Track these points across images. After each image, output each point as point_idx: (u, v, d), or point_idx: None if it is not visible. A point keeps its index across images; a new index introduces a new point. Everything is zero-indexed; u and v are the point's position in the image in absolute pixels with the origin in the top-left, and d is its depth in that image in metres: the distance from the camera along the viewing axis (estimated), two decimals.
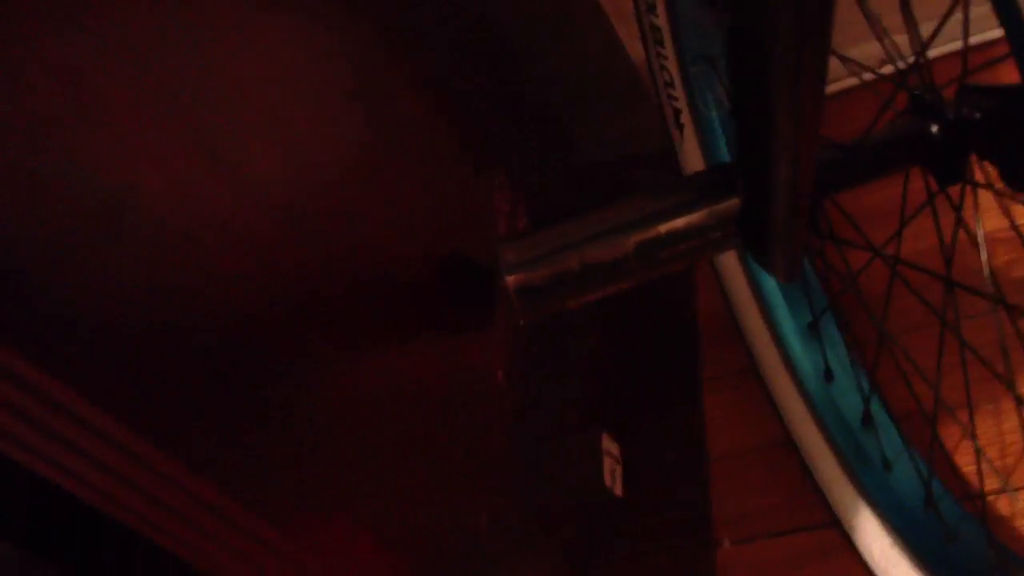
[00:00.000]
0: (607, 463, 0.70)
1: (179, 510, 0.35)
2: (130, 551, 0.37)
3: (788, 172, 0.47)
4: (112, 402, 0.33)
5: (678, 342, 0.89)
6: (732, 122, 0.71)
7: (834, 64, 0.46)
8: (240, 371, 0.39)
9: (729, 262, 0.81)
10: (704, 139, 0.79)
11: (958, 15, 0.56)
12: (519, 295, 0.53)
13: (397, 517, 0.47)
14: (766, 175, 0.48)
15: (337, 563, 0.41)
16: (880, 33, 0.61)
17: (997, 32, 0.51)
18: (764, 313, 0.78)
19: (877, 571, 0.70)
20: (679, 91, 0.79)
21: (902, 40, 0.59)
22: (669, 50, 0.77)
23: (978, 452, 0.69)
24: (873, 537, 0.70)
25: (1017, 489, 0.69)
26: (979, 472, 0.69)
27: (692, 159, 0.80)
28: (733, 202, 0.52)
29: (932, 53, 0.58)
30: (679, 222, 0.53)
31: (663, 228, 0.54)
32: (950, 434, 0.73)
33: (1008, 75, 0.50)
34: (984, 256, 0.59)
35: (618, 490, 0.70)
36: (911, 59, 0.58)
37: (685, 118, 0.79)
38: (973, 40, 0.62)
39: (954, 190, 0.57)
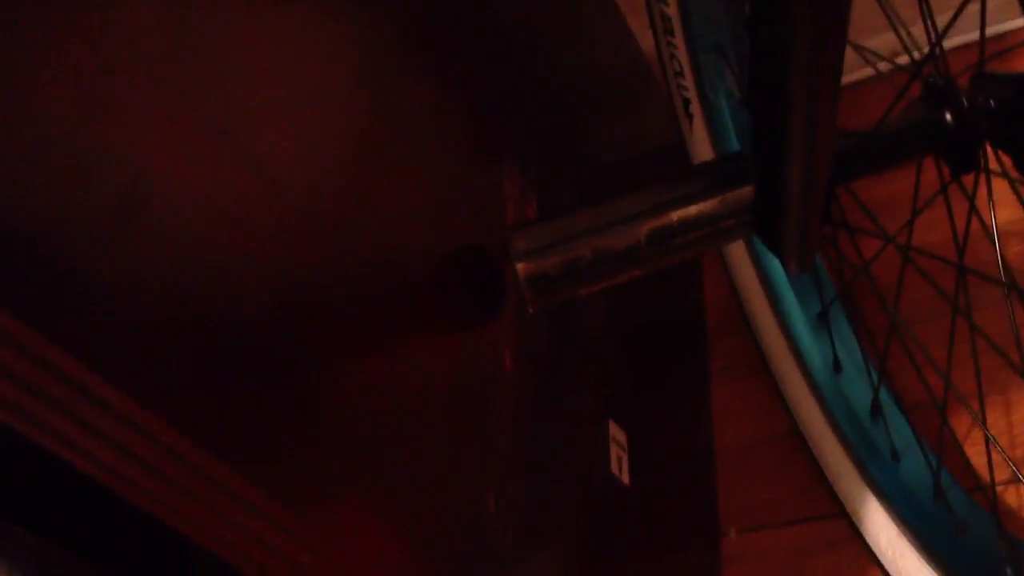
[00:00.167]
0: (614, 451, 0.70)
1: (191, 489, 0.35)
2: (146, 538, 0.38)
3: (803, 161, 0.47)
4: (126, 381, 0.33)
5: (686, 332, 0.89)
6: (746, 111, 0.71)
7: (850, 54, 0.46)
8: (255, 355, 0.39)
9: (737, 252, 0.81)
10: (713, 128, 0.79)
11: (973, 5, 0.56)
12: (530, 283, 0.53)
13: (407, 500, 0.47)
14: (781, 164, 0.48)
15: (348, 544, 0.42)
16: (896, 23, 0.61)
17: (1013, 23, 0.51)
18: (773, 303, 0.78)
19: (885, 562, 0.70)
20: (689, 80, 0.78)
21: (918, 31, 0.59)
22: (679, 39, 0.77)
23: (988, 442, 0.69)
24: (881, 527, 0.70)
25: None
26: (989, 462, 0.69)
27: (701, 148, 0.80)
28: (746, 190, 0.52)
29: (948, 43, 0.57)
30: (692, 210, 0.53)
31: (676, 216, 0.53)
32: (960, 424, 0.73)
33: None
34: (997, 245, 0.59)
35: (624, 478, 0.71)
36: (927, 49, 0.58)
37: (694, 107, 0.79)
38: (989, 31, 0.62)
39: (968, 179, 0.57)
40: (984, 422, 0.69)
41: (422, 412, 0.50)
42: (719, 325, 0.89)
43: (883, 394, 0.72)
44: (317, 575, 0.40)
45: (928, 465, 0.68)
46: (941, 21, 0.56)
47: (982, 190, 0.57)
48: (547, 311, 0.66)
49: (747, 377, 0.84)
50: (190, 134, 0.39)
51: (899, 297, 0.64)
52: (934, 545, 0.66)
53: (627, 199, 0.54)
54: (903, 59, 0.61)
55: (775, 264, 0.78)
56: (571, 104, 0.81)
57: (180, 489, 0.35)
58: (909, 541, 0.67)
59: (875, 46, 0.65)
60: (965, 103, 0.55)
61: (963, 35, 0.68)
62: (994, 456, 0.70)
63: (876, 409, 0.72)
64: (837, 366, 0.74)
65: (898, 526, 0.68)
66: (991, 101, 0.55)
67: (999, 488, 0.70)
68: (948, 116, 0.55)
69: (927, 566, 0.66)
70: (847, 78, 0.83)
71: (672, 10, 0.76)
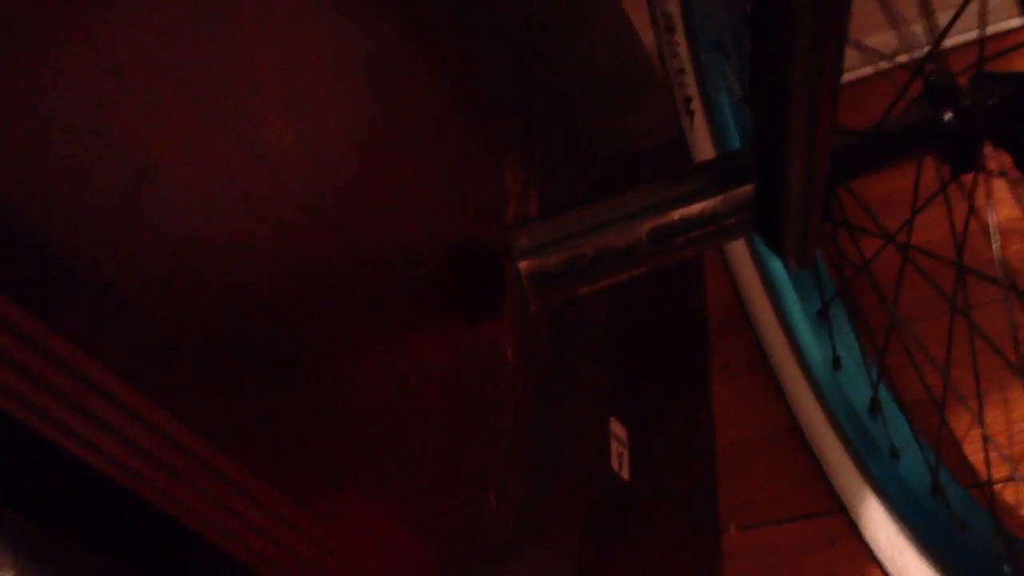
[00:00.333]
0: (614, 447, 0.71)
1: (194, 480, 0.36)
2: (149, 528, 0.38)
3: (803, 159, 0.47)
4: (132, 373, 0.33)
5: (687, 330, 0.90)
6: (748, 109, 0.71)
7: (851, 52, 0.47)
8: (257, 349, 0.40)
9: (738, 249, 0.82)
10: (714, 126, 0.79)
11: (974, 4, 0.56)
12: (531, 281, 0.53)
13: (409, 495, 0.47)
14: (781, 162, 0.48)
15: (349, 537, 0.42)
16: (897, 22, 0.61)
17: (1013, 21, 0.51)
18: (773, 300, 0.79)
19: (883, 558, 0.70)
20: (690, 78, 0.79)
21: (919, 29, 0.59)
22: (680, 37, 0.77)
23: (986, 440, 0.70)
24: (880, 524, 0.70)
25: None
26: (987, 460, 0.69)
27: (702, 146, 0.80)
28: (747, 189, 0.52)
29: (948, 42, 0.57)
30: (693, 208, 0.53)
31: (677, 214, 0.54)
32: (958, 422, 0.73)
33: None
34: (996, 244, 0.59)
35: (625, 474, 0.71)
36: (927, 48, 0.58)
37: (696, 105, 0.79)
38: (990, 30, 0.62)
39: (967, 178, 0.57)
40: (982, 420, 0.70)
41: (423, 408, 0.51)
42: (720, 323, 0.90)
43: (882, 392, 0.73)
44: (318, 567, 0.41)
45: (927, 463, 0.69)
46: (942, 19, 0.56)
47: (982, 189, 0.57)
48: (548, 309, 0.66)
49: (748, 374, 0.84)
50: (194, 130, 0.39)
51: (898, 295, 0.65)
52: (932, 542, 0.66)
53: (628, 196, 0.54)
54: (903, 57, 0.61)
55: (776, 262, 0.78)
56: (574, 100, 0.81)
57: (183, 480, 0.36)
58: (907, 538, 0.67)
59: (876, 44, 0.65)
60: (965, 102, 0.55)
61: (964, 34, 0.68)
62: (992, 454, 0.70)
63: (875, 406, 0.72)
64: (837, 363, 0.75)
65: (897, 523, 0.68)
66: (991, 100, 0.55)
67: (997, 486, 0.71)
68: (948, 115, 0.56)
69: (925, 563, 0.66)
70: (848, 76, 0.83)
71: (673, 8, 0.76)
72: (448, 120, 0.61)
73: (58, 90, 0.34)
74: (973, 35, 0.61)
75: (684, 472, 0.82)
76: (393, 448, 0.47)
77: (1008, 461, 0.70)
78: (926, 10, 0.58)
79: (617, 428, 0.71)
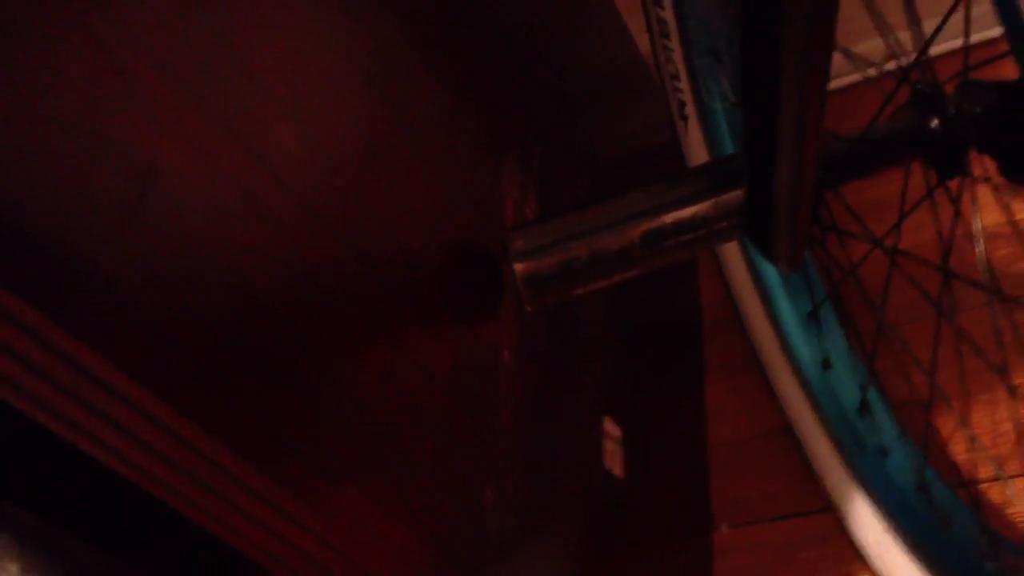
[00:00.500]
0: (607, 445, 0.72)
1: (198, 475, 0.36)
2: (149, 522, 0.39)
3: (793, 164, 0.49)
4: (134, 369, 0.34)
5: (681, 330, 0.91)
6: (739, 115, 0.72)
7: (839, 59, 0.48)
8: (258, 345, 0.41)
9: (731, 252, 0.83)
10: (708, 131, 0.80)
11: (961, 12, 0.57)
12: (527, 283, 0.54)
13: (407, 491, 0.48)
14: (771, 167, 0.49)
15: (350, 531, 0.43)
16: (884, 30, 0.63)
17: (999, 30, 0.52)
18: (765, 302, 0.80)
19: (870, 556, 0.71)
20: (684, 83, 0.80)
21: (905, 37, 0.60)
22: (675, 43, 0.78)
23: (971, 440, 0.71)
24: (867, 522, 0.71)
25: (1010, 477, 0.71)
26: (973, 460, 0.70)
27: (696, 150, 0.81)
28: (738, 193, 0.54)
29: (935, 50, 0.59)
30: (685, 212, 0.54)
31: (669, 218, 0.55)
32: (945, 423, 0.74)
33: (1010, 72, 0.51)
34: (981, 249, 0.60)
35: (618, 471, 0.72)
36: (914, 55, 0.60)
37: (689, 110, 0.80)
38: (975, 38, 0.63)
39: (953, 184, 0.59)
40: (968, 421, 0.71)
41: (423, 407, 0.52)
42: (714, 324, 0.91)
43: (871, 393, 0.74)
44: (318, 561, 0.42)
45: (913, 462, 0.70)
46: (929, 27, 0.57)
47: (967, 195, 0.59)
48: (545, 310, 0.67)
49: (741, 374, 0.86)
50: (196, 130, 0.40)
51: (886, 299, 0.66)
52: (918, 539, 0.67)
53: (622, 201, 0.55)
54: (891, 65, 0.62)
55: (767, 265, 0.79)
56: (574, 100, 0.82)
57: (184, 472, 0.36)
58: (893, 535, 0.69)
59: (863, 50, 0.66)
60: (951, 110, 0.56)
61: (950, 41, 0.69)
62: (977, 454, 0.71)
63: (864, 407, 0.73)
64: (827, 364, 0.76)
65: (883, 521, 0.69)
66: (977, 108, 0.56)
67: (982, 485, 0.72)
68: (935, 122, 0.57)
69: (911, 560, 0.67)
70: (835, 83, 0.84)
71: (668, 14, 0.77)
72: (448, 120, 0.62)
73: (59, 90, 0.35)
74: (960, 43, 0.62)
75: (678, 471, 0.83)
76: (392, 446, 0.48)
77: (992, 461, 0.71)
78: (912, 18, 0.59)
79: (611, 426, 0.72)
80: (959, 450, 0.74)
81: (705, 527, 0.82)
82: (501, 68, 0.71)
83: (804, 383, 0.76)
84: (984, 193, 0.59)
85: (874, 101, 0.60)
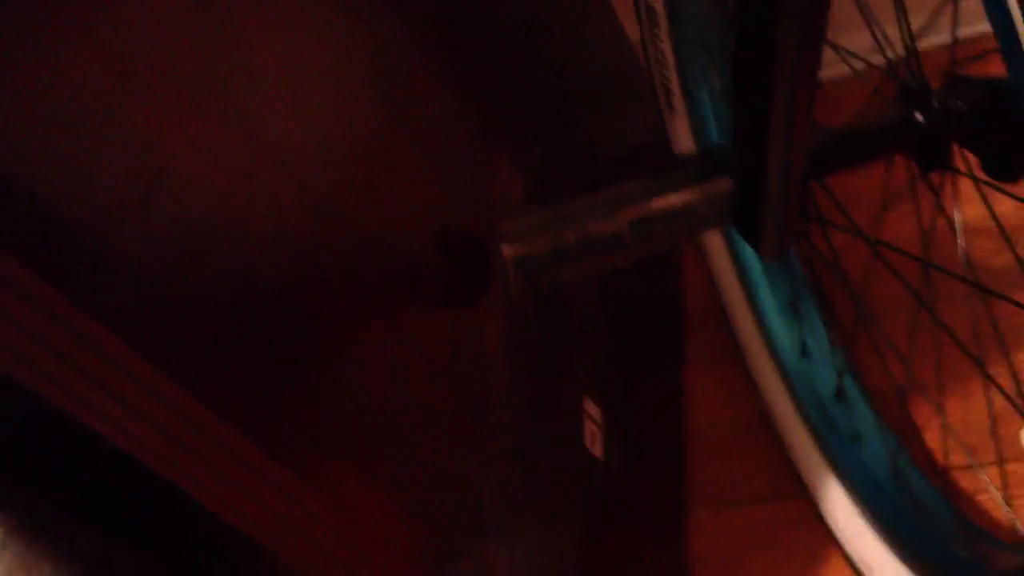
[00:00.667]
0: (587, 426, 0.72)
1: (198, 450, 0.37)
2: (154, 502, 0.39)
3: (781, 154, 0.49)
4: (143, 346, 0.34)
5: (664, 317, 0.92)
6: (725, 104, 0.72)
7: (827, 52, 0.48)
8: (263, 328, 0.41)
9: (714, 241, 0.84)
10: (695, 120, 0.81)
11: (949, 8, 0.58)
12: (516, 267, 0.54)
13: (404, 476, 0.49)
14: (760, 157, 0.50)
15: (348, 512, 0.43)
16: (872, 23, 0.63)
17: (986, 26, 0.53)
18: (746, 290, 0.81)
19: (842, 540, 0.73)
20: (672, 73, 0.80)
21: (894, 31, 0.61)
22: (664, 33, 0.79)
23: (945, 429, 0.72)
24: (839, 506, 0.73)
25: (982, 465, 0.73)
26: (945, 448, 0.72)
27: (682, 139, 0.82)
28: (726, 182, 0.54)
29: (923, 45, 0.59)
30: (673, 200, 0.55)
31: (657, 205, 0.55)
32: (920, 412, 0.76)
33: (998, 68, 0.51)
34: (961, 241, 0.61)
35: (598, 452, 0.73)
36: (901, 50, 0.60)
37: (677, 100, 0.81)
38: (964, 33, 0.64)
39: (936, 178, 0.60)
40: (942, 410, 0.72)
41: (420, 393, 0.52)
42: (696, 311, 0.92)
43: (847, 380, 0.75)
44: (316, 539, 0.42)
45: (887, 449, 0.71)
46: (917, 22, 0.58)
47: (949, 189, 0.60)
48: (536, 297, 0.67)
49: (722, 361, 0.86)
50: (206, 121, 0.40)
51: (867, 289, 0.67)
52: (891, 525, 0.69)
53: (613, 189, 0.56)
54: (879, 59, 0.63)
55: (749, 253, 0.80)
56: (574, 100, 0.82)
57: (182, 445, 0.37)
58: (866, 520, 0.70)
59: (851, 44, 0.66)
60: (936, 105, 0.57)
61: (938, 36, 0.70)
62: (950, 442, 0.73)
63: (841, 393, 0.75)
64: (804, 351, 0.77)
65: (857, 505, 0.71)
66: (961, 103, 0.57)
67: (955, 472, 0.73)
68: (919, 116, 0.57)
69: (883, 544, 0.68)
70: (823, 75, 0.85)
71: (658, 4, 0.77)
72: (448, 119, 0.62)
73: (71, 88, 0.35)
74: (948, 38, 0.63)
75: (658, 454, 0.84)
76: (389, 432, 0.49)
77: (965, 449, 0.73)
78: (901, 13, 0.60)
79: (591, 408, 0.73)
80: (933, 438, 0.75)
81: (682, 509, 0.83)
82: (501, 68, 0.71)
83: (782, 369, 0.78)
84: (967, 188, 0.60)
85: (862, 95, 0.61)
